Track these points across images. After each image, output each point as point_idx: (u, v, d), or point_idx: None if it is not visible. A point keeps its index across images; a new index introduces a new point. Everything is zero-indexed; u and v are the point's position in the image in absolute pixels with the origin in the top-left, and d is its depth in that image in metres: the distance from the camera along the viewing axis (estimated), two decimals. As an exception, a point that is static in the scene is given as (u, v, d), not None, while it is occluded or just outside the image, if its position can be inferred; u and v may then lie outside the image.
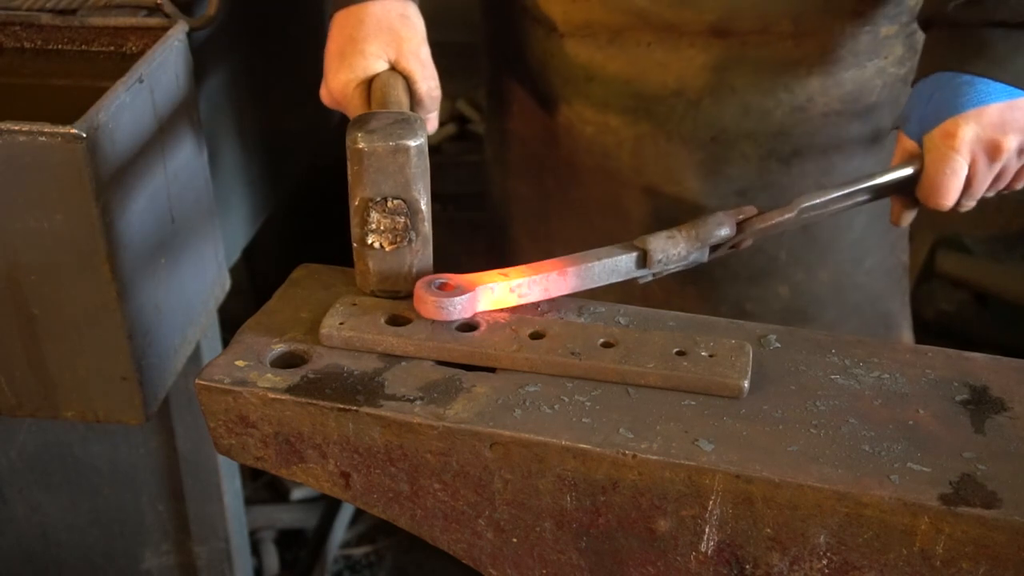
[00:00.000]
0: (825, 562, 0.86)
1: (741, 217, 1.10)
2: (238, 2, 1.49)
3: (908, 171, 1.13)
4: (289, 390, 0.94)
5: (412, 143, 1.00)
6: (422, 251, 1.04)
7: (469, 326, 0.99)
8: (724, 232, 1.08)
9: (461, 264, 1.06)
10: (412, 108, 1.15)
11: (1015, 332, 2.41)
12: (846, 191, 1.11)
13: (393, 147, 0.99)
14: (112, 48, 1.30)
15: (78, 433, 1.56)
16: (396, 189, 1.01)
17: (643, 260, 1.05)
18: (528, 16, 1.40)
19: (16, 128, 1.06)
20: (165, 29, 1.25)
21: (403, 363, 0.97)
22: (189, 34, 1.26)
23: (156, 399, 1.23)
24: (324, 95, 1.21)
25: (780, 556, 0.87)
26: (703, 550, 0.89)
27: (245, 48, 1.54)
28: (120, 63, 1.25)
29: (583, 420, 0.90)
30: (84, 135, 1.05)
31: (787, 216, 1.09)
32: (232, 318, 1.33)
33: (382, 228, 1.02)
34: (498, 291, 1.00)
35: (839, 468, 0.85)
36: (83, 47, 1.30)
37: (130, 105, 1.14)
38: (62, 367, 1.18)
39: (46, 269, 1.12)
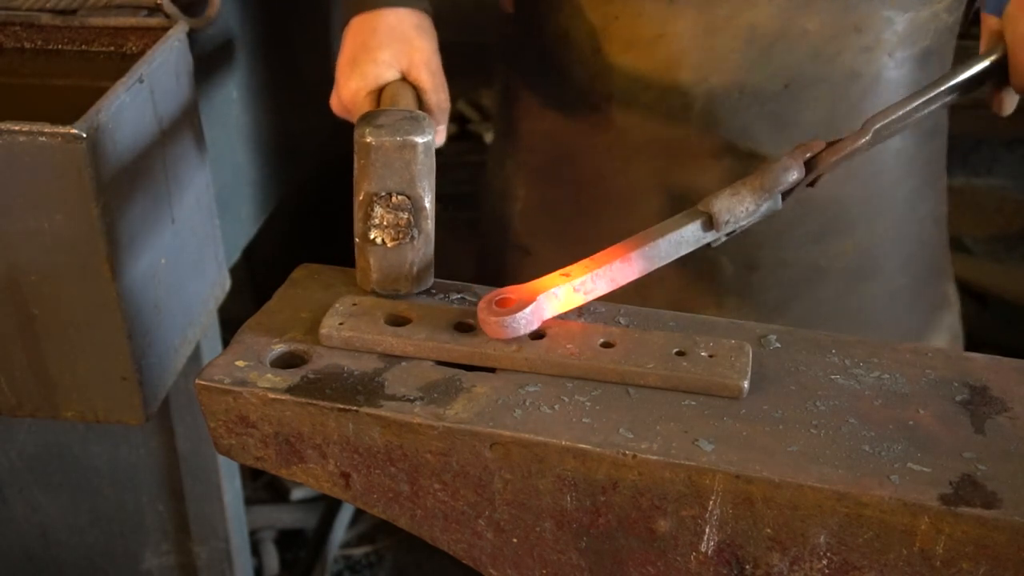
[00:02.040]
0: (825, 562, 0.86)
1: (808, 155, 1.04)
2: (239, 2, 1.49)
3: (985, 63, 1.05)
4: (289, 390, 0.94)
5: (420, 140, 1.01)
6: (424, 249, 1.04)
7: (468, 326, 0.99)
8: (793, 176, 1.02)
9: (461, 263, 1.06)
10: None
11: (1015, 332, 2.42)
12: (920, 100, 1.05)
13: (400, 143, 1.00)
14: (112, 48, 1.30)
15: (78, 433, 1.56)
16: (401, 185, 1.01)
17: (709, 224, 1.01)
18: None
19: (16, 128, 1.06)
20: (165, 29, 1.25)
21: (403, 363, 0.97)
22: (189, 34, 1.26)
23: (156, 399, 1.23)
24: (334, 102, 1.21)
25: (780, 556, 0.87)
26: (703, 550, 0.89)
27: (246, 48, 1.54)
28: (120, 63, 1.25)
29: (583, 420, 0.90)
30: (84, 135, 1.05)
31: (861, 142, 1.03)
32: (232, 318, 1.33)
33: (385, 223, 1.02)
34: (562, 294, 0.97)
35: (839, 468, 0.85)
36: (83, 47, 1.30)
37: (130, 105, 1.14)
38: (62, 367, 1.18)
39: (46, 269, 1.12)
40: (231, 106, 1.51)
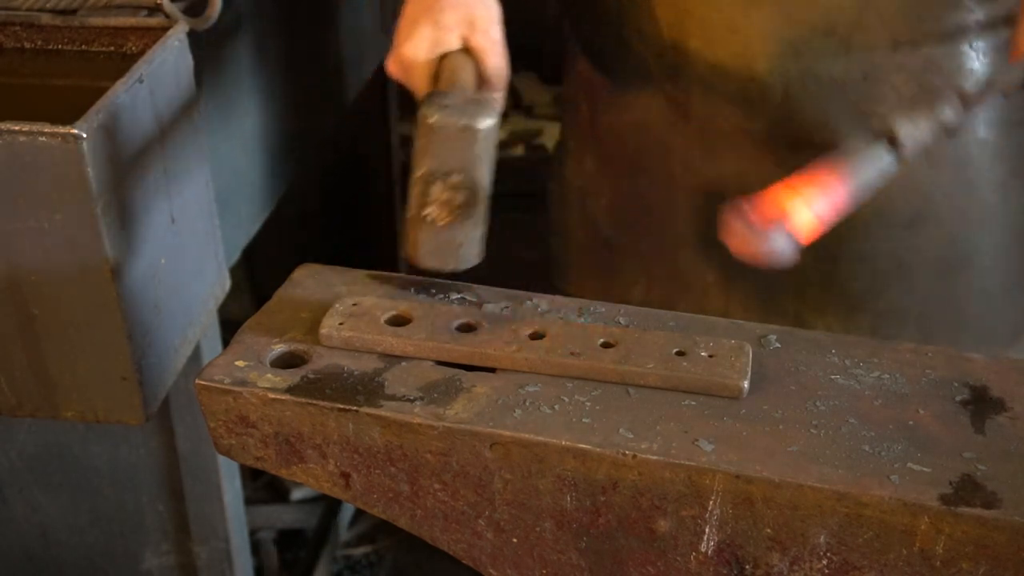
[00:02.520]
0: (825, 562, 0.86)
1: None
2: (240, 2, 1.49)
3: None
4: (289, 390, 0.94)
5: (482, 124, 1.01)
6: (473, 231, 1.04)
7: (469, 326, 0.99)
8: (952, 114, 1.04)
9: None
10: (478, 88, 1.17)
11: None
12: None
13: (464, 126, 1.01)
14: (112, 48, 1.29)
15: (78, 433, 1.56)
16: (460, 166, 1.02)
17: (892, 144, 1.02)
18: None
19: (16, 128, 1.05)
20: (165, 29, 1.25)
21: (403, 363, 0.97)
22: (189, 34, 1.26)
23: (156, 399, 1.23)
24: (392, 64, 1.21)
25: (780, 556, 0.87)
26: (703, 550, 0.89)
27: (246, 48, 1.54)
28: (120, 63, 1.25)
29: (583, 420, 0.90)
30: (84, 135, 1.05)
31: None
32: (232, 318, 1.33)
33: (440, 201, 1.02)
34: (803, 213, 0.95)
35: (839, 468, 0.85)
36: (83, 47, 1.30)
37: (130, 105, 1.13)
38: (62, 367, 1.18)
39: (46, 269, 1.12)
40: (231, 106, 1.51)
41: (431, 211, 1.02)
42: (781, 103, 1.35)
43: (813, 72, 1.32)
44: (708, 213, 1.36)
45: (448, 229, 1.03)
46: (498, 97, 1.21)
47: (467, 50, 1.18)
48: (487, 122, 1.02)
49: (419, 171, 1.02)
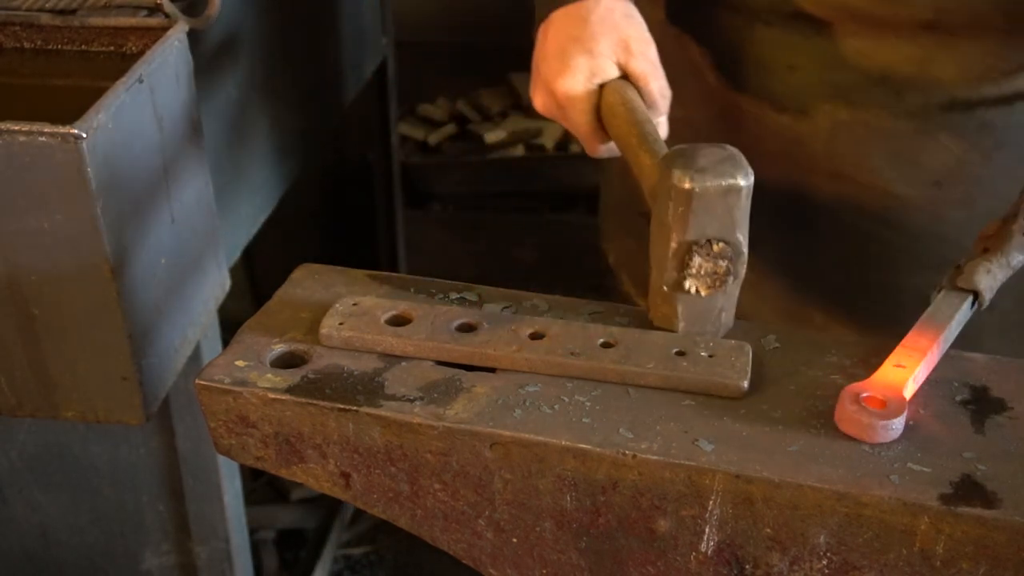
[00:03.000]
0: (825, 562, 0.86)
1: None
2: (239, 2, 1.49)
3: None
4: (289, 390, 0.94)
5: (744, 183, 0.93)
6: (732, 295, 0.98)
7: (469, 326, 0.99)
8: None
9: (461, 263, 1.06)
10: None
11: (1015, 332, 2.41)
12: None
13: (725, 188, 0.93)
14: (112, 48, 1.29)
15: (78, 433, 1.56)
16: (721, 231, 0.94)
17: (974, 300, 1.00)
18: (721, 4, 1.36)
19: (16, 128, 1.05)
20: (165, 29, 1.25)
21: (403, 363, 0.97)
22: (189, 34, 1.26)
23: (156, 399, 1.23)
24: (543, 102, 1.14)
25: (780, 556, 0.87)
26: (703, 550, 0.89)
27: (246, 48, 1.54)
28: (120, 63, 1.25)
29: (583, 420, 0.90)
30: (84, 135, 1.05)
31: None
32: (232, 318, 1.33)
33: (703, 273, 0.96)
34: (910, 387, 0.92)
35: (839, 468, 0.85)
36: (83, 47, 1.30)
37: (130, 105, 1.14)
38: (62, 367, 1.18)
39: (46, 269, 1.12)
40: (231, 106, 1.51)
41: (692, 283, 0.96)
42: (826, 142, 1.34)
43: (862, 119, 1.32)
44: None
45: (708, 299, 0.97)
46: (663, 122, 1.16)
47: (624, 76, 1.12)
48: (748, 179, 0.93)
49: (673, 242, 0.94)
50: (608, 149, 1.16)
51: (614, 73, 1.11)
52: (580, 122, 1.12)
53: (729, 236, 0.95)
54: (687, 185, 0.92)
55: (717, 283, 0.96)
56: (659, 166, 0.97)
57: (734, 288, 0.98)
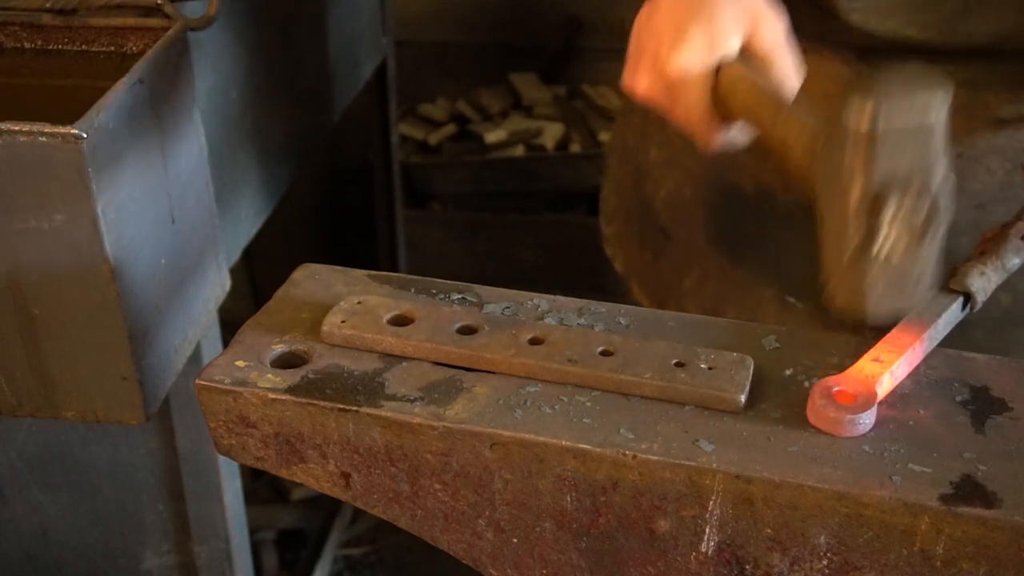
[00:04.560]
0: (825, 562, 0.86)
1: None
2: (239, 2, 1.49)
3: None
4: (289, 390, 0.94)
5: (940, 111, 0.78)
6: (932, 255, 0.83)
7: (469, 328, 0.99)
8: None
9: (461, 263, 1.05)
10: None
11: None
12: None
13: (918, 122, 0.77)
14: (112, 48, 1.29)
15: (78, 433, 1.56)
16: (917, 172, 0.79)
17: (966, 302, 0.95)
18: None
19: (16, 128, 1.06)
20: (165, 29, 1.25)
21: (404, 363, 0.97)
22: (189, 34, 1.26)
23: (156, 399, 1.23)
24: (650, 83, 0.99)
25: (780, 556, 0.87)
26: (703, 550, 0.89)
27: (246, 48, 1.54)
28: (120, 63, 1.25)
29: (584, 420, 0.90)
30: (84, 135, 1.05)
31: None
32: (232, 318, 1.33)
33: (897, 225, 0.81)
34: (885, 383, 0.90)
35: (839, 468, 0.85)
36: (83, 47, 1.30)
37: (130, 105, 1.14)
38: (62, 367, 1.18)
39: (46, 269, 1.12)
40: (231, 106, 1.51)
41: (884, 244, 0.81)
42: None
43: None
44: (774, 235, 1.31)
45: (906, 259, 0.82)
46: None
47: (747, 57, 0.97)
48: (945, 106, 0.78)
49: (856, 192, 0.80)
50: (727, 138, 1.01)
51: (736, 47, 0.96)
52: (694, 104, 0.98)
53: (927, 176, 0.79)
54: (866, 127, 0.77)
55: (915, 240, 0.81)
56: (844, 99, 0.81)
57: (933, 251, 0.83)
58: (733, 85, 0.94)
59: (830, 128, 0.81)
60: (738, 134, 1.00)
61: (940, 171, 0.81)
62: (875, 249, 0.82)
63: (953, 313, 0.97)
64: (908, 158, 0.79)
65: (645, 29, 1.00)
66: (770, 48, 0.96)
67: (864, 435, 0.88)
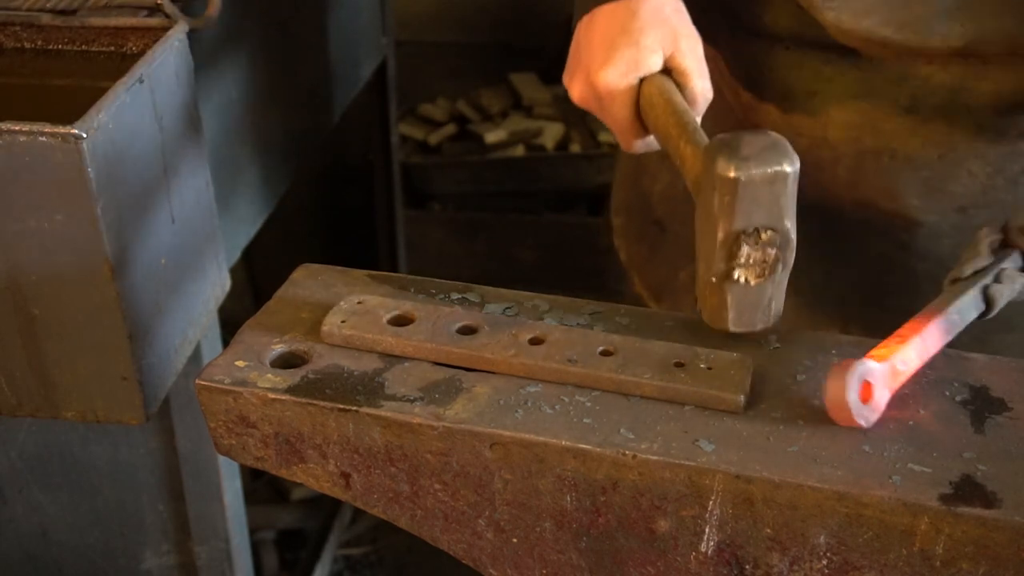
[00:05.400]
0: (825, 562, 0.86)
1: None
2: (239, 2, 1.49)
3: None
4: (289, 390, 0.94)
5: (790, 168, 0.92)
6: (782, 284, 0.98)
7: (469, 329, 0.99)
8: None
9: (461, 263, 1.05)
10: None
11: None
12: None
13: (772, 175, 0.92)
14: (112, 48, 1.29)
15: (78, 433, 1.56)
16: (770, 219, 0.94)
17: (984, 297, 1.00)
18: (742, 27, 1.34)
19: (16, 128, 1.06)
20: (165, 29, 1.25)
21: (404, 363, 0.97)
22: (189, 34, 1.26)
23: (156, 399, 1.23)
24: (582, 92, 1.12)
25: (780, 556, 0.87)
26: (703, 550, 0.89)
27: (246, 48, 1.54)
28: (120, 63, 1.25)
29: (584, 420, 0.90)
30: (84, 135, 1.05)
31: None
32: (232, 318, 1.33)
33: (751, 262, 0.95)
34: (893, 375, 0.93)
35: (839, 468, 0.85)
36: (83, 47, 1.30)
37: (130, 105, 1.14)
38: (62, 367, 1.18)
39: (46, 269, 1.12)
40: (231, 106, 1.51)
41: (741, 273, 0.95)
42: (850, 169, 1.32)
43: (889, 146, 1.30)
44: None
45: (757, 288, 0.96)
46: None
47: (667, 71, 1.10)
48: (795, 165, 0.92)
49: (720, 233, 0.94)
50: (645, 144, 1.14)
51: (657, 66, 1.09)
52: (619, 115, 1.10)
53: (777, 224, 0.94)
54: (732, 174, 0.91)
55: (766, 272, 0.95)
56: (702, 156, 0.96)
57: (783, 277, 0.97)
58: (650, 100, 1.07)
59: (704, 173, 0.95)
60: (654, 142, 1.11)
61: (790, 217, 0.94)
62: (735, 276, 0.95)
63: (971, 317, 0.99)
64: (765, 205, 0.93)
65: (584, 40, 1.11)
66: (687, 68, 1.08)
67: (864, 433, 0.88)
